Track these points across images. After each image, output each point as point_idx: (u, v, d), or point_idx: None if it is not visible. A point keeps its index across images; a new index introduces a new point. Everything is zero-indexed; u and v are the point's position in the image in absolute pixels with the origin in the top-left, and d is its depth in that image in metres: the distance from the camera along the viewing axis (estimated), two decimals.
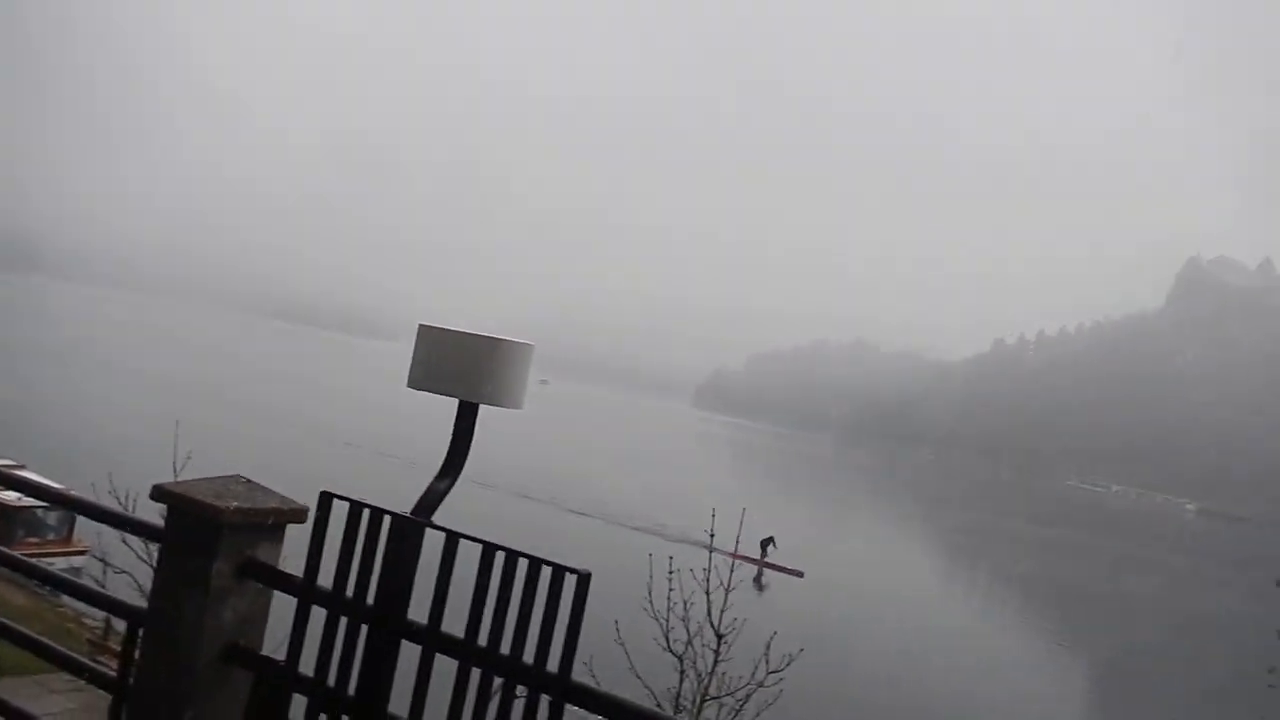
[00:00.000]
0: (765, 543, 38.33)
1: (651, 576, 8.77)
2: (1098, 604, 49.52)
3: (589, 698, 2.69)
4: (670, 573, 8.66)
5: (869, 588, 39.82)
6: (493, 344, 2.92)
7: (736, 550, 9.76)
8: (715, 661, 8.93)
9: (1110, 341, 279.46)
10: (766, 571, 37.02)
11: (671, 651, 8.69)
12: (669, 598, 8.66)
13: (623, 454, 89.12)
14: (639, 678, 8.01)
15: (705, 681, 8.88)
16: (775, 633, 8.90)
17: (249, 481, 3.42)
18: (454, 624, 2.85)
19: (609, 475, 61.28)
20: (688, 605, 8.93)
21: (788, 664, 8.87)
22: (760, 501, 56.43)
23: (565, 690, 2.66)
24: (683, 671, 8.68)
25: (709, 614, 8.99)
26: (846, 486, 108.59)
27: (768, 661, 8.89)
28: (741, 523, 9.77)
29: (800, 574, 37.68)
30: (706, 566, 8.87)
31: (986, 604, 46.20)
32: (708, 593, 8.84)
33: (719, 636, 8.87)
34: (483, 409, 3.04)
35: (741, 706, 8.94)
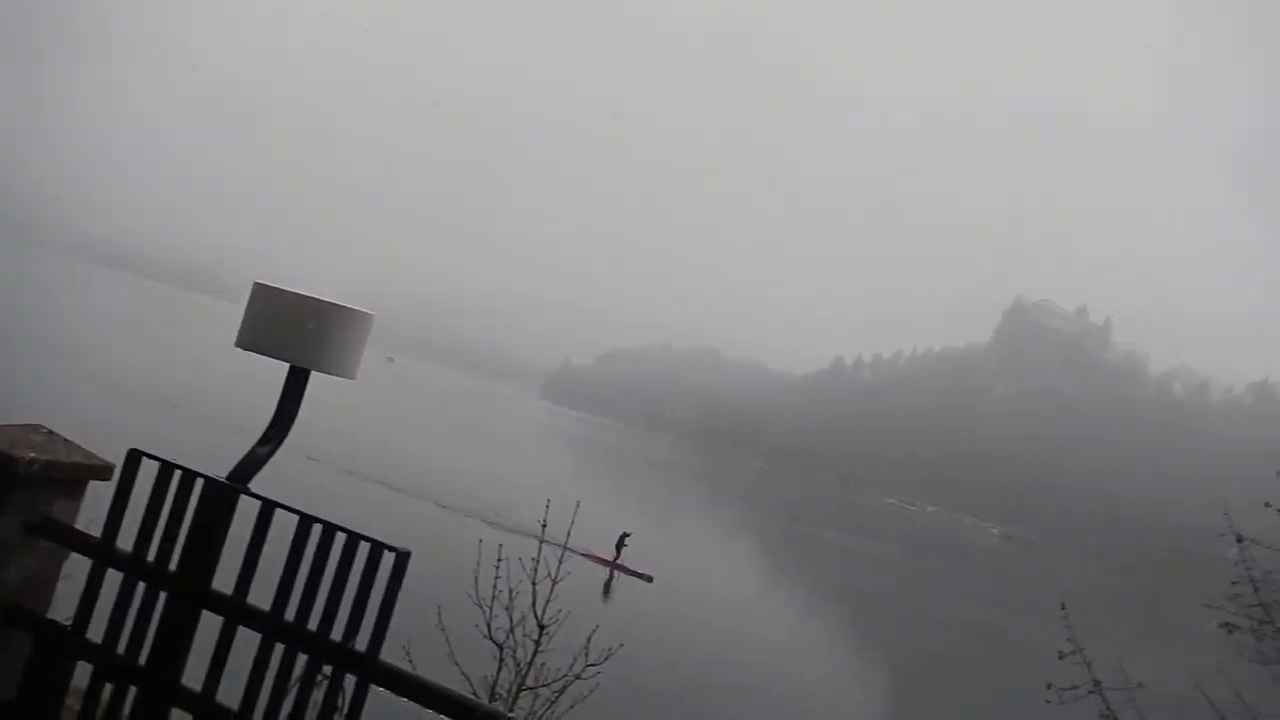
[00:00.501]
0: (620, 541, 37.71)
1: (479, 563, 8.70)
2: (901, 616, 52.19)
3: (396, 679, 2.64)
4: (498, 560, 8.60)
5: (703, 592, 40.60)
6: (329, 309, 2.83)
7: (568, 542, 9.75)
8: (535, 652, 8.93)
9: (938, 370, 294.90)
10: (615, 578, 36.83)
11: (492, 639, 8.64)
12: (495, 585, 8.61)
13: (464, 439, 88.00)
14: (456, 664, 7.91)
15: (523, 671, 8.87)
16: (597, 626, 8.97)
17: (50, 433, 3.20)
18: (262, 597, 2.75)
19: (448, 459, 60.36)
20: (513, 595, 8.89)
21: (606, 658, 8.95)
22: (599, 498, 56.85)
23: (372, 670, 2.61)
24: (501, 660, 8.65)
25: (534, 604, 8.98)
26: (684, 489, 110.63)
27: (587, 654, 8.95)
28: (574, 518, 9.78)
29: (650, 578, 37.51)
30: (535, 556, 8.87)
31: (804, 611, 47.92)
32: (534, 583, 8.83)
33: (541, 627, 8.88)
34: (318, 380, 2.94)
35: (557, 698, 8.97)
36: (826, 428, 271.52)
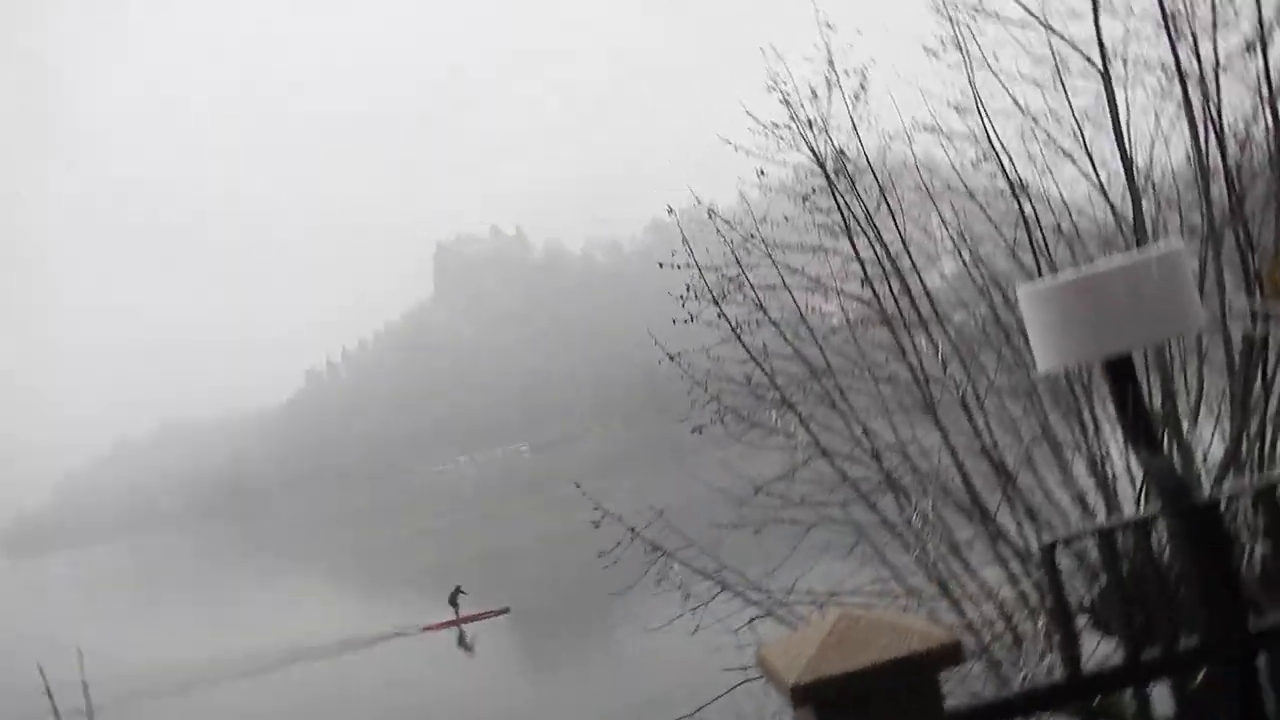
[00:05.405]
0: (454, 596, 36.68)
1: None
2: (469, 559, 54.01)
3: None
4: None
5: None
6: None
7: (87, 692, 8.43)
8: None
9: (406, 338, 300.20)
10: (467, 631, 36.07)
11: None
12: None
13: None
14: None
15: None
16: None
17: None
18: None
19: None
20: None
21: None
22: (143, 622, 50.18)
23: None
24: None
25: None
26: (214, 569, 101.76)
27: None
28: (82, 667, 8.45)
29: (506, 610, 36.63)
30: None
31: (392, 605, 46.93)
32: None
33: None
34: None
35: None
36: (331, 438, 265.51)
